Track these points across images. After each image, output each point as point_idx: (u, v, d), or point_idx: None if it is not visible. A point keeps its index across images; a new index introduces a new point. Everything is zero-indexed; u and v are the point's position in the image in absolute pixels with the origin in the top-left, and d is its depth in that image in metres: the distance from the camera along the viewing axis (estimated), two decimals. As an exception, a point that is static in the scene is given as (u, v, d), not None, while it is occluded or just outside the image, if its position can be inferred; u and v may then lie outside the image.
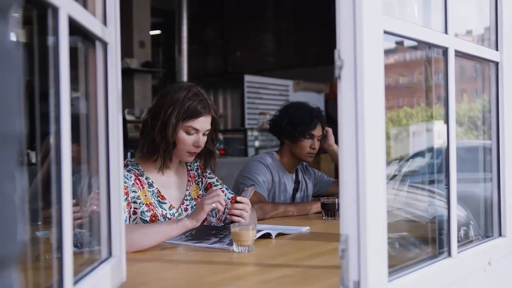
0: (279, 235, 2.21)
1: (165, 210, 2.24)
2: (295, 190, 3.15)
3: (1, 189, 0.59)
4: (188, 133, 2.21)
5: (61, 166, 1.01)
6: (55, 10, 1.00)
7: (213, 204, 1.99)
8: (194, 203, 2.36)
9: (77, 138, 1.28)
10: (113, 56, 1.38)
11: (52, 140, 1.02)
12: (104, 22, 1.35)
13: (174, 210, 2.28)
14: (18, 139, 0.62)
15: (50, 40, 1.02)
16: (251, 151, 7.35)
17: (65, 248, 1.02)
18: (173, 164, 2.32)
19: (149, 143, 2.22)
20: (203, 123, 2.23)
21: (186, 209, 2.33)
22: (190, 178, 2.41)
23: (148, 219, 2.18)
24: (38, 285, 1.14)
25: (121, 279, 1.42)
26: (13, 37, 0.62)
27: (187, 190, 2.37)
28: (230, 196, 2.41)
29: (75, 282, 1.10)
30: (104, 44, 1.35)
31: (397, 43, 1.49)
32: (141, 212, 2.17)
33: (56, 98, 1.01)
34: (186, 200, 2.35)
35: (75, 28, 1.12)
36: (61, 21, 1.01)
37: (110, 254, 1.38)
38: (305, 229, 2.37)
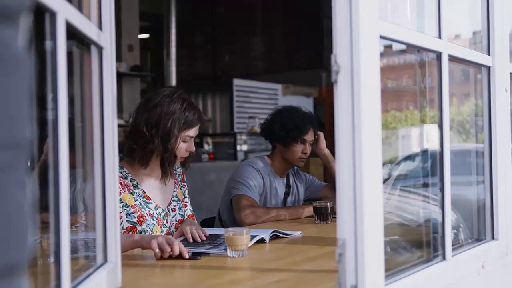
0: (274, 238, 2.21)
1: (152, 209, 2.29)
2: (286, 194, 3.15)
3: (11, 196, 0.58)
4: (184, 141, 2.31)
5: (58, 171, 1.01)
6: (53, 14, 0.99)
7: (157, 250, 1.83)
8: (181, 204, 2.45)
9: (71, 142, 1.27)
10: (109, 61, 1.37)
11: (49, 145, 1.01)
12: (100, 26, 1.35)
13: (160, 210, 2.33)
14: (28, 146, 0.61)
15: (47, 44, 1.02)
16: (240, 155, 7.33)
17: (63, 254, 1.01)
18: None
19: (149, 153, 2.27)
20: (197, 130, 2.35)
21: (173, 209, 2.41)
22: (176, 181, 2.48)
23: (135, 220, 2.23)
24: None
25: (117, 285, 1.42)
26: (23, 43, 0.62)
27: (174, 191, 2.44)
28: (189, 213, 2.49)
29: (72, 288, 1.09)
30: (100, 49, 1.35)
31: (385, 46, 1.49)
32: (127, 214, 2.22)
33: (54, 103, 1.01)
34: (174, 200, 2.43)
35: (71, 32, 1.12)
36: (59, 26, 1.01)
37: (105, 259, 1.37)
38: (298, 233, 2.37)
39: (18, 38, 0.61)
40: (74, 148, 1.35)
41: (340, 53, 1.19)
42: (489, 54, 1.84)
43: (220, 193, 3.17)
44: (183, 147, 2.31)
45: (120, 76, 7.43)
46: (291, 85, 8.49)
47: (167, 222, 2.36)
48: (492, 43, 1.84)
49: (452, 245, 1.58)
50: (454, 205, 1.73)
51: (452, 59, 1.60)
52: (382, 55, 1.51)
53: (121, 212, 2.19)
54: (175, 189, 2.45)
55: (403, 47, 1.59)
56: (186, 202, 2.52)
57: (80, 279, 1.20)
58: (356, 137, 1.17)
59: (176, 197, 2.44)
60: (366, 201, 1.17)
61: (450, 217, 1.57)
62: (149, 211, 2.28)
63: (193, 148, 2.34)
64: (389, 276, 1.28)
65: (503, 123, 1.87)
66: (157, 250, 1.83)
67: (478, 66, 1.85)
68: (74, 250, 1.42)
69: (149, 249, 1.88)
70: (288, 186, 3.17)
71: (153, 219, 2.28)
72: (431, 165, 1.83)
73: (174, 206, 2.42)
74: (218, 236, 2.22)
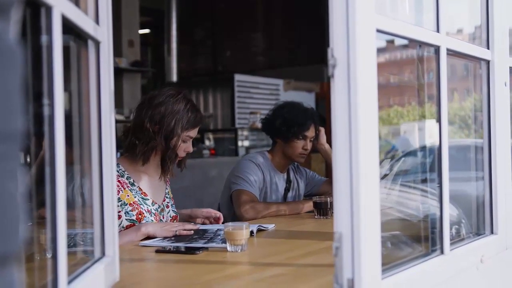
0: (259, 231, 2.26)
1: (149, 206, 2.34)
2: (287, 189, 3.15)
3: (3, 186, 0.59)
4: (184, 141, 2.35)
5: (55, 167, 1.01)
6: (49, 9, 0.99)
7: (176, 232, 2.16)
8: (172, 201, 2.51)
9: (68, 138, 1.27)
10: (106, 55, 1.37)
11: (45, 140, 1.02)
12: (97, 21, 1.35)
13: (156, 206, 2.38)
14: (20, 138, 0.62)
15: (43, 39, 1.02)
16: (241, 151, 7.33)
17: (59, 248, 1.01)
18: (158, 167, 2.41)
19: (150, 150, 2.31)
20: (196, 131, 2.40)
21: (167, 206, 2.46)
22: (167, 179, 2.52)
23: (134, 217, 2.26)
24: (31, 285, 1.14)
25: (114, 279, 1.42)
26: (14, 35, 0.62)
27: (167, 189, 2.50)
28: (173, 214, 2.49)
29: (69, 282, 1.09)
30: (97, 43, 1.35)
31: (387, 41, 1.49)
32: (125, 212, 2.25)
33: (50, 98, 1.01)
34: (167, 197, 2.48)
35: (67, 27, 1.11)
36: (55, 20, 1.01)
37: (103, 253, 1.38)
38: (271, 226, 2.41)
39: (9, 30, 0.61)
40: (72, 143, 1.35)
41: (336, 47, 1.18)
42: (488, 48, 1.84)
43: (221, 189, 3.17)
44: (182, 147, 2.35)
45: (120, 71, 7.43)
46: (292, 80, 8.48)
47: (163, 218, 2.40)
48: (491, 37, 1.83)
49: (452, 239, 1.58)
50: (456, 200, 1.73)
51: (451, 53, 1.60)
52: (384, 50, 1.51)
53: (120, 212, 2.21)
54: (167, 186, 2.51)
55: (405, 42, 1.59)
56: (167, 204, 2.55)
57: (77, 273, 1.21)
58: (352, 131, 1.17)
59: (168, 194, 2.50)
60: (363, 195, 1.17)
61: (449, 211, 1.57)
62: (147, 207, 2.32)
63: (190, 149, 2.40)
64: (386, 270, 1.28)
65: (502, 118, 1.86)
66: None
67: (477, 60, 1.85)
68: (73, 244, 1.42)
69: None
70: (288, 181, 3.17)
71: (151, 215, 2.31)
72: (432, 160, 1.83)
73: (168, 203, 2.47)
74: (205, 230, 2.23)
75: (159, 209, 2.38)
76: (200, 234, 2.18)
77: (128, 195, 2.28)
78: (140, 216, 2.26)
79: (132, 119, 2.41)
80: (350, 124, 1.17)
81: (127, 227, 2.22)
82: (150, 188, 2.39)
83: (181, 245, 1.99)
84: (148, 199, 2.35)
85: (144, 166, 2.35)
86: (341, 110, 1.18)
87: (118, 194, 2.22)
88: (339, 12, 1.17)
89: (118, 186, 2.24)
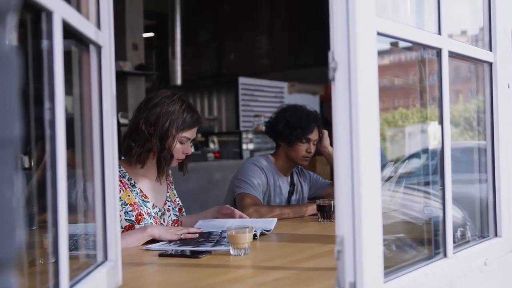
0: (262, 234, 2.25)
1: (149, 208, 2.34)
2: (291, 192, 3.15)
3: (0, 192, 0.59)
4: (181, 142, 2.34)
5: (56, 171, 1.01)
6: (49, 14, 1.00)
7: (182, 236, 2.15)
8: (174, 205, 2.50)
9: (71, 142, 1.28)
10: (107, 60, 1.38)
11: (47, 144, 1.02)
12: (98, 25, 1.35)
13: (157, 209, 2.38)
14: (17, 143, 0.62)
15: (44, 43, 1.02)
16: (246, 154, 7.33)
17: (61, 252, 1.01)
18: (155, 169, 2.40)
19: (146, 152, 2.30)
20: (195, 132, 2.38)
21: (168, 210, 2.46)
22: (168, 183, 2.52)
23: (133, 218, 2.26)
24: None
25: (117, 283, 1.42)
26: (11, 41, 0.62)
27: (168, 192, 2.49)
28: (174, 218, 2.48)
29: (71, 286, 1.09)
30: (98, 48, 1.35)
31: (391, 44, 1.49)
32: (125, 212, 2.25)
33: (51, 102, 1.01)
34: (168, 201, 2.47)
35: (69, 32, 1.12)
36: (55, 25, 1.01)
37: (105, 258, 1.38)
38: (274, 222, 2.42)
39: (5, 36, 0.61)
40: (74, 147, 1.35)
41: (337, 50, 1.19)
42: (491, 50, 1.83)
43: (225, 192, 3.17)
44: (180, 148, 2.34)
45: (125, 75, 7.44)
46: (297, 83, 8.48)
47: (164, 222, 2.40)
48: (494, 39, 1.83)
49: (457, 242, 1.57)
50: (460, 202, 1.73)
51: (453, 55, 1.59)
52: (388, 52, 1.51)
53: (120, 211, 2.21)
54: (168, 190, 2.50)
55: (409, 44, 1.59)
56: (178, 202, 2.55)
57: (79, 277, 1.21)
58: (353, 134, 1.17)
59: (170, 198, 2.49)
60: (364, 198, 1.17)
61: (454, 214, 1.57)
62: (146, 209, 2.32)
63: (189, 151, 2.38)
64: (389, 273, 1.28)
65: (506, 120, 1.86)
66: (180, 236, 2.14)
67: (480, 62, 1.84)
68: (75, 248, 1.43)
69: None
70: (292, 184, 3.17)
71: (150, 218, 2.31)
72: (436, 162, 1.83)
73: (169, 206, 2.47)
74: (210, 233, 2.23)
75: (159, 213, 2.38)
76: (206, 237, 2.17)
77: (129, 195, 2.28)
78: (139, 218, 2.26)
79: (129, 122, 2.42)
80: (351, 127, 1.17)
81: (126, 228, 2.23)
82: (151, 191, 2.38)
83: (188, 248, 1.98)
84: (149, 202, 2.35)
85: (144, 170, 2.35)
86: (342, 113, 1.18)
87: (119, 194, 2.22)
88: (340, 15, 1.18)
89: (119, 186, 2.24)
